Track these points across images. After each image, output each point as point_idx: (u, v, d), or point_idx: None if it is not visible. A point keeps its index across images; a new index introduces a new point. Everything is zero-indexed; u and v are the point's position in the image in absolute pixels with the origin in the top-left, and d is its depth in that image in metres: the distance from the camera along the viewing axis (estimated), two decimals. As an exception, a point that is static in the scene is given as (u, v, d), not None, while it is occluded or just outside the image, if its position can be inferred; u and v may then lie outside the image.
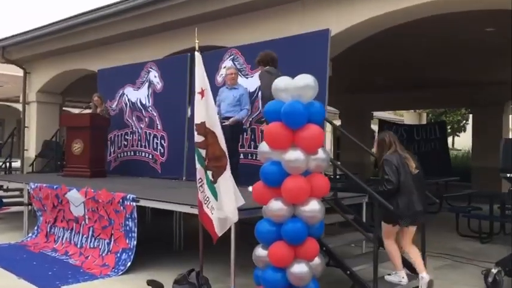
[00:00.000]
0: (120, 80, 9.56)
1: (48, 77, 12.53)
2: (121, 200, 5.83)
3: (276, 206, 4.15)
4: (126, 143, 9.42)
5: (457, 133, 35.36)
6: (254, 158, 7.22)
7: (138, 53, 9.91)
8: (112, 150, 9.63)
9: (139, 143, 9.14)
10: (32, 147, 12.88)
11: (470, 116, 29.93)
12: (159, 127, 8.78)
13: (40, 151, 12.12)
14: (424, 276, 4.60)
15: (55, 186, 6.91)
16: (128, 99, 9.40)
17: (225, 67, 7.74)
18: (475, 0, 6.18)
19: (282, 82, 4.35)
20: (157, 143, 8.79)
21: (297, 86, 4.21)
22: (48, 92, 12.93)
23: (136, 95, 9.24)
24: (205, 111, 4.57)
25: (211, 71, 7.91)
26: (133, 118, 9.27)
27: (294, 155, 4.07)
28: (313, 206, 4.13)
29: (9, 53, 12.77)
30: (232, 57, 7.66)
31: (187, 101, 8.34)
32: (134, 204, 5.69)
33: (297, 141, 4.13)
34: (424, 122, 24.41)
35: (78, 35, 10.55)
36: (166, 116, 8.69)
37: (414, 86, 13.50)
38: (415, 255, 4.75)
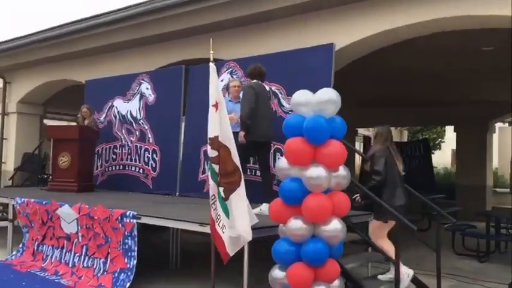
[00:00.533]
0: (109, 91, 9.27)
1: (30, 87, 12.07)
2: (120, 217, 5.55)
3: (295, 225, 3.97)
4: (114, 156, 9.10)
5: (432, 151, 35.81)
6: (253, 173, 7.03)
7: (128, 64, 9.63)
8: (99, 164, 9.29)
9: (129, 156, 8.83)
10: (10, 160, 12.35)
11: (446, 133, 30.54)
12: (151, 140, 8.51)
13: (20, 164, 11.63)
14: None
15: (44, 202, 6.56)
16: (118, 112, 9.10)
17: (222, 80, 7.57)
18: (474, 19, 6.15)
19: (302, 96, 4.20)
20: (148, 157, 8.51)
21: (320, 101, 4.06)
22: (29, 103, 12.45)
23: (126, 107, 8.96)
24: (219, 124, 4.38)
25: (208, 84, 7.73)
26: (123, 131, 8.97)
27: (316, 172, 3.90)
28: (335, 226, 3.96)
29: (-11, 62, 12.29)
30: (230, 70, 7.50)
31: (182, 114, 8.13)
32: (135, 221, 5.42)
33: (318, 158, 3.97)
34: (405, 139, 24.62)
35: (65, 44, 10.20)
36: (159, 129, 8.43)
37: (398, 104, 13.55)
38: (389, 249, 4.87)
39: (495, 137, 15.24)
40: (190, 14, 7.88)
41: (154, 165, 8.41)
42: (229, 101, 6.67)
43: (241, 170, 4.39)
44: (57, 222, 6.39)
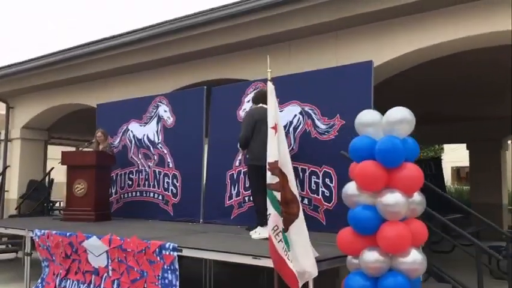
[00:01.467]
0: (124, 115, 8.92)
1: (34, 112, 11.67)
2: (158, 250, 5.15)
3: (371, 257, 3.64)
4: (130, 182, 8.70)
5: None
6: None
7: (141, 87, 9.34)
8: (114, 191, 8.88)
9: (146, 182, 8.44)
10: (13, 187, 11.87)
11: (444, 152, 30.44)
12: (170, 165, 8.14)
13: (25, 192, 11.15)
14: None
15: (68, 234, 6.14)
16: (133, 136, 8.74)
17: (248, 101, 7.28)
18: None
19: (367, 116, 3.93)
20: (168, 183, 8.13)
21: (391, 120, 3.77)
22: (34, 128, 12.03)
23: (143, 131, 8.60)
24: (278, 148, 4.05)
25: (233, 105, 7.47)
26: (140, 156, 8.60)
27: (393, 198, 3.59)
28: (415, 257, 3.63)
29: (-8, 87, 11.89)
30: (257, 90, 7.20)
31: (204, 137, 7.79)
32: (175, 254, 5.02)
33: (393, 182, 3.66)
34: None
35: (73, 68, 9.88)
36: (179, 153, 8.07)
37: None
38: None
39: (508, 154, 15.09)
40: (209, 34, 7.62)
41: (175, 191, 8.03)
42: None
43: (299, 200, 4.06)
44: (83, 255, 5.97)
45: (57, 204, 13.04)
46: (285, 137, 4.19)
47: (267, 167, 4.06)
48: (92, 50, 9.28)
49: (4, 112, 12.58)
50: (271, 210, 4.04)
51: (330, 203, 6.15)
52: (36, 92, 11.47)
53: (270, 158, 4.05)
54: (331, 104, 6.37)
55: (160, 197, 8.21)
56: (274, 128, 4.06)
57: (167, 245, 5.10)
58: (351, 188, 3.84)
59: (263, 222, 5.33)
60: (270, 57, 7.46)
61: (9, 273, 7.33)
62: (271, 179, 4.04)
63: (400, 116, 3.78)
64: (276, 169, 4.01)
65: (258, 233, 5.59)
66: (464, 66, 8.09)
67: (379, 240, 3.60)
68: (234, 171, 7.32)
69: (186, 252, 4.98)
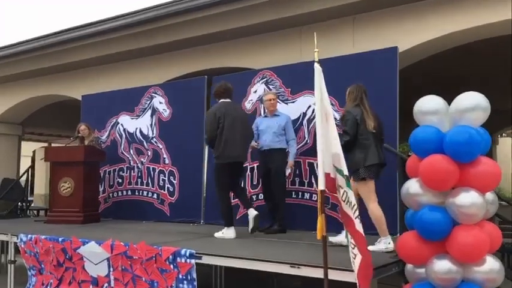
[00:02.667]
0: (112, 107, 8.19)
1: (7, 104, 10.79)
2: (171, 257, 4.53)
3: (442, 267, 3.14)
4: (121, 180, 8.00)
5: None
6: (300, 196, 6.18)
7: (128, 78, 8.66)
8: (101, 189, 8.15)
9: (139, 180, 7.76)
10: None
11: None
12: (166, 161, 7.48)
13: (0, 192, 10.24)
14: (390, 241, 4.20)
15: (61, 239, 5.44)
16: (124, 129, 8.03)
17: (255, 91, 6.72)
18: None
19: (430, 103, 3.41)
20: (164, 180, 7.47)
21: (462, 108, 3.26)
22: (7, 122, 11.13)
23: (135, 124, 7.90)
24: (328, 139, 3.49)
25: (238, 96, 6.85)
26: (131, 151, 7.91)
27: (469, 199, 3.09)
28: (492, 265, 3.16)
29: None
30: (265, 80, 6.63)
31: (205, 130, 7.16)
32: (193, 261, 4.41)
33: (466, 180, 3.16)
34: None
35: (53, 56, 9.09)
36: (177, 148, 7.42)
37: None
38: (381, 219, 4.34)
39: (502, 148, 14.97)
40: (211, 18, 7.01)
41: (171, 189, 7.38)
42: (264, 116, 5.96)
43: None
44: (79, 263, 5.28)
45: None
46: (335, 128, 3.58)
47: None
48: (73, 37, 8.54)
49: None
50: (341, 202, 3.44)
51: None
52: (10, 82, 10.58)
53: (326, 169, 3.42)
54: (350, 95, 5.85)
55: (155, 196, 7.55)
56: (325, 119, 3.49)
57: (183, 252, 4.48)
58: (413, 186, 3.32)
59: (228, 223, 5.54)
60: (278, 44, 7.03)
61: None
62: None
63: (474, 102, 3.28)
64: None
65: (222, 232, 5.53)
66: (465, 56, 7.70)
67: (451, 247, 3.10)
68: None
69: (206, 260, 4.37)
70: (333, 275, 3.35)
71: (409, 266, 3.39)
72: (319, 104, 3.46)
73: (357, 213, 3.25)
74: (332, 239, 4.42)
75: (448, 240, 3.12)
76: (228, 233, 5.46)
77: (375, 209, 4.26)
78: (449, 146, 3.15)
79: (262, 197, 6.28)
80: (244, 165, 6.63)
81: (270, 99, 6.01)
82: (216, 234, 5.52)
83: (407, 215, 3.48)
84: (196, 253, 4.40)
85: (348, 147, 4.38)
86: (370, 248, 3.93)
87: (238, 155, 5.55)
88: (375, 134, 4.51)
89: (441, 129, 3.29)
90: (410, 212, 3.42)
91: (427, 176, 3.21)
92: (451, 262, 3.11)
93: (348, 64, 5.89)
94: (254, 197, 6.53)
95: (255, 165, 6.49)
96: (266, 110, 6.15)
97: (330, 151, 3.39)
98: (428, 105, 3.39)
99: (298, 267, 3.72)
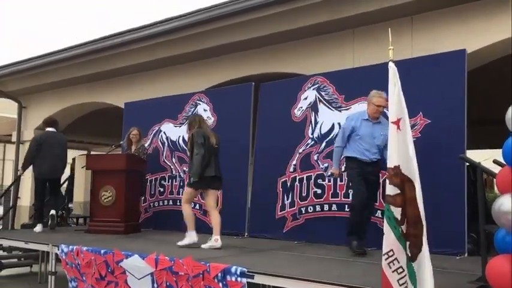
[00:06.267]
0: (156, 114, 7.97)
1: (49, 112, 10.73)
2: (220, 274, 4.19)
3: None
4: (162, 189, 7.76)
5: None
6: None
7: (171, 84, 8.46)
8: (142, 199, 7.92)
9: (181, 190, 7.47)
10: (26, 194, 10.93)
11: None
12: (210, 171, 7.16)
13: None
14: (218, 238, 5.47)
15: (103, 251, 5.18)
16: (167, 137, 7.80)
17: (305, 98, 6.36)
18: None
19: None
20: (207, 191, 7.16)
21: None
22: (49, 130, 11.09)
23: (178, 132, 7.66)
24: (399, 150, 3.09)
25: (286, 103, 6.54)
26: (173, 160, 7.66)
27: None
28: None
29: (4, 84, 10.97)
30: (316, 86, 6.26)
31: (251, 139, 6.84)
32: (244, 281, 4.05)
33: None
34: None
35: (96, 63, 9.00)
36: (221, 157, 7.07)
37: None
38: (213, 218, 5.69)
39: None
40: (258, 21, 6.71)
41: (215, 200, 7.06)
42: (365, 119, 5.10)
43: (424, 217, 3.09)
44: (121, 277, 5.00)
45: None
46: (411, 134, 3.20)
47: (386, 174, 3.10)
48: (116, 43, 8.42)
49: (14, 115, 11.71)
50: (387, 230, 3.08)
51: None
52: (52, 90, 10.60)
53: (390, 162, 3.09)
54: (412, 101, 5.31)
55: (197, 207, 7.25)
56: (396, 123, 3.10)
57: (233, 269, 4.13)
58: (506, 203, 2.87)
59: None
60: (330, 48, 6.66)
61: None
62: (389, 189, 3.08)
63: None
64: (398, 177, 3.05)
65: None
66: None
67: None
68: (287, 178, 6.39)
69: (258, 279, 4.00)
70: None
71: (500, 295, 2.94)
72: (394, 109, 3.07)
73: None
74: (180, 243, 5.63)
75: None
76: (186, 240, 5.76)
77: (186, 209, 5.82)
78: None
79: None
80: (293, 175, 6.30)
81: (380, 106, 5.00)
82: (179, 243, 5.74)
83: (498, 236, 3.03)
84: (248, 271, 4.04)
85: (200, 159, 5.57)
86: (203, 246, 5.41)
87: (46, 172, 7.46)
88: (216, 149, 5.80)
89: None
90: (503, 232, 2.97)
91: (526, 191, 2.77)
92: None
93: (404, 69, 5.42)
94: (303, 209, 6.14)
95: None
96: (369, 114, 5.09)
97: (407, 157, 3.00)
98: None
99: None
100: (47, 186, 7.71)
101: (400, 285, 3.03)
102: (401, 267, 3.03)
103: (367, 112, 5.10)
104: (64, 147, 7.74)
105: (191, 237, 5.66)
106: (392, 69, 3.19)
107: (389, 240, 3.08)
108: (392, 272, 3.06)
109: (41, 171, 7.50)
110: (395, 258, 3.06)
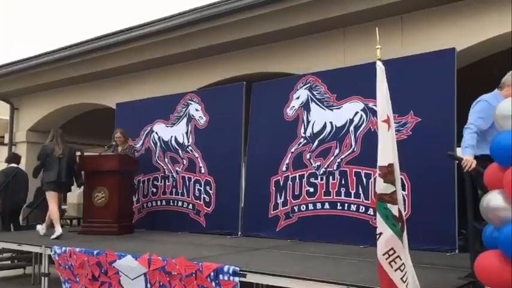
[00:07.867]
0: (147, 115, 7.97)
1: (41, 113, 10.75)
2: (212, 274, 4.21)
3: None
4: (155, 190, 7.75)
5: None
6: (346, 208, 5.79)
7: (162, 85, 8.44)
8: (135, 199, 7.92)
9: (174, 190, 7.49)
10: (18, 195, 10.86)
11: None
12: (202, 170, 7.19)
13: (32, 201, 10.12)
14: (59, 229, 6.50)
15: (96, 252, 5.18)
16: (159, 138, 7.79)
17: (297, 98, 6.39)
18: None
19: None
20: (200, 190, 7.18)
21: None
22: (40, 131, 11.04)
23: (170, 132, 7.65)
24: (392, 148, 3.12)
25: (278, 102, 6.56)
26: (166, 160, 7.65)
27: None
28: None
29: (-5, 86, 10.92)
30: (308, 85, 6.29)
31: (243, 138, 6.86)
32: (237, 280, 4.07)
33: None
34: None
35: (88, 64, 8.97)
36: (213, 156, 7.12)
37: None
38: (54, 215, 6.75)
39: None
40: (246, 21, 6.73)
41: (208, 200, 7.08)
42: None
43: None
44: (114, 277, 5.00)
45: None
46: (394, 133, 3.22)
47: (378, 172, 3.12)
48: (106, 44, 8.40)
49: (6, 117, 11.66)
50: (383, 229, 3.10)
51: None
52: (44, 91, 10.55)
53: (383, 161, 3.11)
54: (403, 99, 5.41)
55: (190, 206, 7.26)
56: (386, 121, 3.13)
57: (225, 268, 4.15)
58: (494, 199, 2.91)
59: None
60: (321, 47, 6.69)
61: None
62: (384, 188, 3.10)
63: None
64: (391, 175, 3.08)
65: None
66: None
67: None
68: (280, 177, 6.40)
69: (251, 278, 4.02)
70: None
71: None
72: (382, 108, 3.10)
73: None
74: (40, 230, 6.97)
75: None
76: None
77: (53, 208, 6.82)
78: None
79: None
80: (285, 174, 6.32)
81: None
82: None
83: (486, 231, 3.07)
84: (240, 270, 4.06)
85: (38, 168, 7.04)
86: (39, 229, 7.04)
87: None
88: (61, 158, 6.94)
89: (526, 134, 2.88)
90: (491, 228, 3.01)
91: (512, 187, 2.80)
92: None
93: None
94: (295, 207, 6.18)
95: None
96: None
97: (389, 158, 3.03)
98: (509, 108, 2.99)
99: (358, 289, 3.34)
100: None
101: (404, 281, 3.04)
102: (403, 264, 3.04)
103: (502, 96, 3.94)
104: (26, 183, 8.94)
105: (58, 230, 6.50)
106: (380, 68, 3.20)
107: (388, 238, 3.06)
108: (395, 270, 3.03)
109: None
110: (398, 256, 3.04)
